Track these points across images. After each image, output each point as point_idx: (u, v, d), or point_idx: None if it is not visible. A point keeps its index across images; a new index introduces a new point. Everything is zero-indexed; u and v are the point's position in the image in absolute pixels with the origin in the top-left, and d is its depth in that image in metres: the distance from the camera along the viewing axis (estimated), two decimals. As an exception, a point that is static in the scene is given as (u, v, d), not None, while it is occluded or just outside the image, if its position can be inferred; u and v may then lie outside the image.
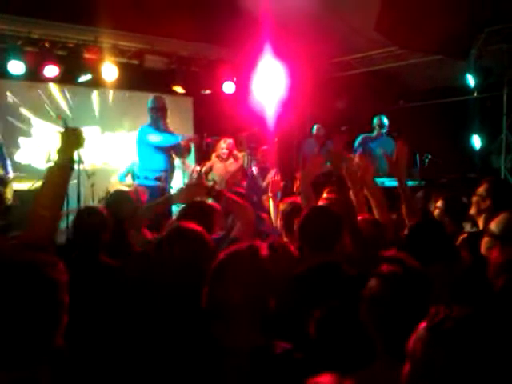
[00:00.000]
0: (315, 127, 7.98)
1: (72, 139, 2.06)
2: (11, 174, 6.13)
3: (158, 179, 5.91)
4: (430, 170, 6.61)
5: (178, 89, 7.91)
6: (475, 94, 7.28)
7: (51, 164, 2.08)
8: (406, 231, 2.77)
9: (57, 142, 2.08)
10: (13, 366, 1.36)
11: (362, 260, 2.61)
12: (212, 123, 7.67)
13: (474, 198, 3.10)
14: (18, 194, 6.11)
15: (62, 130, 2.11)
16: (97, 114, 7.97)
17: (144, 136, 5.96)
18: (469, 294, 2.17)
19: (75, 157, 2.13)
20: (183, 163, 6.70)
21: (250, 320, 1.66)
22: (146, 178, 5.98)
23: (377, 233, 2.97)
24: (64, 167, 2.02)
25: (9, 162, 6.23)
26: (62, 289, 1.45)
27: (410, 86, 8.79)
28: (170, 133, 6.09)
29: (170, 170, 6.11)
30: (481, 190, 3.08)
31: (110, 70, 7.16)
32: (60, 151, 2.03)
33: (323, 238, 2.59)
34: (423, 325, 1.18)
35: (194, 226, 2.19)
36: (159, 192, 5.65)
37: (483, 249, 2.52)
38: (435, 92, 8.39)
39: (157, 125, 6.01)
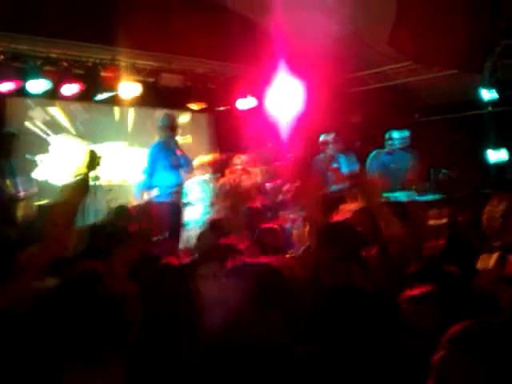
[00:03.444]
0: (322, 136, 7.55)
1: (90, 160, 2.13)
2: (22, 193, 6.15)
3: (168, 195, 6.00)
4: (445, 184, 6.57)
5: (194, 106, 8.02)
6: (489, 108, 7.25)
7: (66, 183, 2.13)
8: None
9: (75, 161, 2.14)
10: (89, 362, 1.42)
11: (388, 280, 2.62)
12: (227, 139, 7.74)
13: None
14: (32, 210, 6.18)
15: (83, 150, 2.18)
16: (114, 130, 8.08)
17: (154, 154, 6.05)
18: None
19: (91, 175, 2.19)
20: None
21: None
22: (158, 194, 6.07)
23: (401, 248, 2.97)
24: (79, 187, 2.08)
25: (19, 181, 6.24)
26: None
27: (426, 100, 8.78)
28: (177, 158, 6.21)
29: (179, 185, 6.21)
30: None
31: (127, 88, 7.27)
32: (77, 171, 2.10)
33: (344, 254, 2.58)
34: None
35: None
36: (173, 207, 5.72)
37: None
38: (451, 106, 8.36)
39: (168, 144, 6.12)
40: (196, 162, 6.97)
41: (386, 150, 7.22)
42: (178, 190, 6.20)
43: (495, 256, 2.57)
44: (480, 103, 7.27)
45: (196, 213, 6.72)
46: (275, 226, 4.00)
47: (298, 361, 1.75)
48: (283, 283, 1.90)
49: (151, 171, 6.19)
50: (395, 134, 7.19)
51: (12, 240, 2.30)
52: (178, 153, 6.32)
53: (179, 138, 7.43)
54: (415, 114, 8.63)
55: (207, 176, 6.88)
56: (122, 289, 1.49)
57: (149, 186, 6.31)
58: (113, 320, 1.44)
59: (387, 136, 7.20)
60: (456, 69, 7.10)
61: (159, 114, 7.28)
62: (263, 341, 1.78)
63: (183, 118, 8.48)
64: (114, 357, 1.46)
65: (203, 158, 7.00)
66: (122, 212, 3.65)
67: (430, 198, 6.23)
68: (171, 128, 6.29)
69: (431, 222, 4.36)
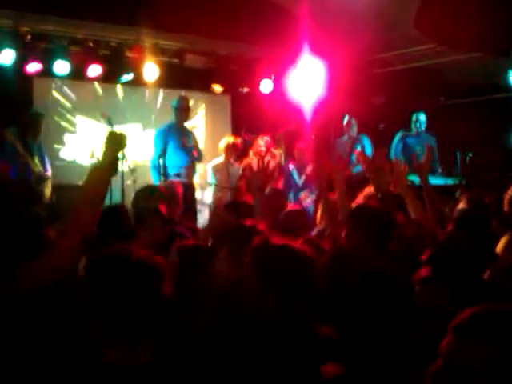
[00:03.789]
0: (346, 118, 7.60)
1: (116, 141, 2.16)
2: (49, 172, 6.28)
3: (178, 175, 6.10)
4: (470, 168, 6.51)
5: (217, 87, 8.04)
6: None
7: (95, 162, 2.20)
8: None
9: (102, 143, 2.19)
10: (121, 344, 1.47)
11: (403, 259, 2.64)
12: (250, 121, 7.75)
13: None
14: (61, 188, 6.31)
15: (108, 132, 2.21)
16: (138, 111, 8.16)
17: (165, 135, 6.27)
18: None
19: (119, 156, 2.23)
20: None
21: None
22: (166, 174, 6.19)
23: (418, 233, 2.99)
24: (107, 168, 2.13)
25: (47, 160, 6.36)
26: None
27: (451, 83, 8.65)
28: (188, 140, 6.42)
29: (189, 166, 6.30)
30: None
31: (151, 70, 7.32)
32: (104, 152, 2.14)
33: (376, 238, 2.60)
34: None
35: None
36: (186, 187, 5.82)
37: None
38: (477, 89, 8.23)
39: (180, 126, 6.35)
40: (221, 145, 7.04)
41: (412, 132, 7.20)
42: (189, 171, 6.32)
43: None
44: (507, 86, 7.15)
45: (218, 194, 6.81)
46: (301, 208, 4.01)
47: (315, 339, 1.80)
48: (306, 266, 1.93)
49: (163, 152, 6.32)
50: (422, 117, 7.16)
51: (41, 217, 2.36)
52: (191, 144, 6.48)
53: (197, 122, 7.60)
54: (440, 97, 8.51)
55: (230, 158, 6.94)
56: (156, 265, 1.54)
57: (162, 167, 6.41)
58: (148, 295, 1.50)
59: (414, 118, 7.18)
60: (482, 52, 6.98)
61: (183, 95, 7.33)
62: (280, 317, 1.82)
63: (206, 100, 8.52)
64: (148, 333, 1.52)
65: (226, 141, 7.05)
66: (152, 192, 3.71)
67: (449, 182, 6.20)
68: (183, 109, 6.41)
69: (450, 207, 4.35)
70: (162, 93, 8.17)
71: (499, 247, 2.57)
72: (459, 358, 1.16)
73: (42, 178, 6.06)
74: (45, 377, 1.69)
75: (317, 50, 7.11)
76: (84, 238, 2.02)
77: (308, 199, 6.63)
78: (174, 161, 6.31)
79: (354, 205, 3.38)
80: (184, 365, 1.59)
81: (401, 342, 2.00)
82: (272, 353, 1.73)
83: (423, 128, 7.16)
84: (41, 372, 1.73)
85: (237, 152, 6.85)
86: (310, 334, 1.78)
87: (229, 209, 3.44)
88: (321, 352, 1.75)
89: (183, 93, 7.48)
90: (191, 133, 6.78)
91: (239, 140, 7.08)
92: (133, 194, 6.65)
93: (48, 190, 6.15)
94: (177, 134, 6.45)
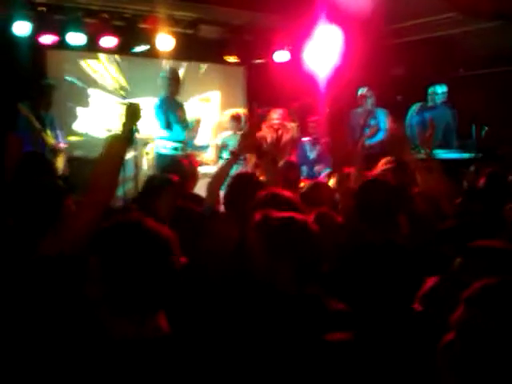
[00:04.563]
0: (362, 89, 7.34)
1: (132, 113, 2.18)
2: (62, 144, 6.30)
3: (175, 149, 6.11)
4: (487, 141, 6.40)
5: (231, 58, 7.94)
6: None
7: (111, 135, 2.20)
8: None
9: (119, 115, 2.21)
10: (134, 311, 1.47)
11: (416, 236, 2.64)
12: (264, 93, 7.67)
13: None
14: (74, 161, 6.34)
15: (125, 103, 2.23)
16: (152, 84, 8.11)
17: (159, 111, 6.28)
18: None
19: (133, 128, 2.24)
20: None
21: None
22: (163, 147, 6.22)
23: (431, 207, 2.97)
24: (124, 139, 2.15)
25: (59, 133, 6.36)
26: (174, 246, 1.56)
27: (471, 54, 8.43)
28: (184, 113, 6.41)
29: (185, 140, 6.37)
30: None
31: (165, 41, 7.25)
32: (124, 124, 2.16)
33: (382, 211, 2.59)
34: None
35: None
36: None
37: None
38: (497, 60, 8.02)
39: (173, 98, 6.39)
40: (226, 118, 6.96)
41: (428, 104, 7.07)
42: (183, 146, 6.33)
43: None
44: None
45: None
46: (322, 182, 3.99)
47: (326, 314, 1.80)
48: (316, 239, 1.93)
49: (167, 125, 6.33)
50: (439, 89, 7.01)
51: (61, 188, 2.39)
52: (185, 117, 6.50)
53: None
54: (460, 68, 8.33)
55: (236, 131, 6.83)
56: (165, 235, 1.53)
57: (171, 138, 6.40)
58: (157, 265, 1.50)
59: (431, 91, 7.04)
60: (505, 19, 6.79)
61: (198, 66, 7.26)
62: (290, 290, 1.83)
63: (220, 71, 8.44)
64: (159, 303, 1.51)
65: (230, 113, 6.93)
66: (176, 164, 3.74)
67: (465, 156, 6.12)
68: (175, 80, 6.39)
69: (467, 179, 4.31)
70: (170, 65, 8.10)
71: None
72: (470, 329, 1.15)
73: (55, 151, 6.09)
74: (50, 350, 1.70)
75: (333, 20, 6.97)
76: (104, 209, 2.04)
77: (323, 172, 6.59)
78: (173, 135, 6.34)
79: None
80: (195, 337, 1.59)
81: (410, 313, 2.00)
82: (283, 325, 1.75)
83: (440, 100, 7.02)
84: (46, 345, 1.75)
85: (240, 123, 6.76)
86: (321, 308, 1.79)
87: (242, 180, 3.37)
88: (331, 326, 1.76)
89: (196, 64, 7.39)
90: (183, 105, 6.71)
91: (242, 111, 7.02)
92: (145, 166, 6.77)
93: (61, 163, 6.17)
94: (173, 108, 6.44)
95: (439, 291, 1.78)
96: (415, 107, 7.09)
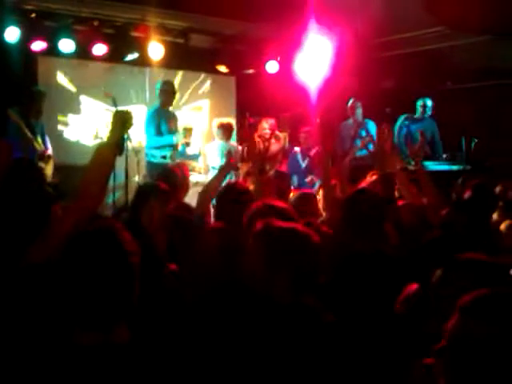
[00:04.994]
0: (350, 101, 7.36)
1: (122, 120, 2.15)
2: (50, 151, 6.26)
3: (164, 157, 6.18)
4: (476, 153, 6.47)
5: (222, 68, 7.96)
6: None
7: (100, 142, 2.19)
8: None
9: (108, 122, 2.18)
10: (94, 326, 1.47)
11: (402, 246, 2.66)
12: (254, 103, 7.69)
13: None
14: (63, 169, 6.29)
15: (114, 110, 2.21)
16: (143, 92, 8.11)
17: (152, 120, 6.39)
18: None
19: (125, 136, 2.23)
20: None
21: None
22: (153, 156, 6.30)
23: (417, 218, 2.99)
24: (113, 147, 2.12)
25: (47, 139, 6.31)
26: (136, 253, 1.55)
27: (459, 68, 8.54)
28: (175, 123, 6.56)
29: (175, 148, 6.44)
30: None
31: (156, 49, 7.25)
32: (111, 131, 2.13)
33: (369, 221, 2.61)
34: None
35: None
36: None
37: None
38: (485, 73, 8.12)
39: (163, 110, 6.50)
40: (214, 125, 6.95)
41: (416, 116, 7.14)
42: (172, 154, 6.37)
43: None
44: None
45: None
46: (312, 192, 4.00)
47: (321, 323, 1.80)
48: (315, 250, 1.93)
49: (160, 132, 6.42)
50: (429, 102, 7.09)
51: (49, 194, 2.37)
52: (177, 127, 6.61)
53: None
54: (447, 82, 8.42)
55: (230, 140, 6.84)
56: (131, 246, 1.53)
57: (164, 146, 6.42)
58: (119, 275, 1.49)
59: (421, 103, 7.11)
60: (492, 34, 6.89)
61: (188, 75, 7.27)
62: (285, 299, 1.83)
63: (211, 80, 8.45)
64: (121, 314, 1.50)
65: (218, 122, 6.94)
66: (168, 172, 3.73)
67: (454, 168, 6.17)
68: (169, 92, 6.53)
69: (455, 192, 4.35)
70: (161, 74, 8.10)
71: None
72: (462, 337, 1.16)
73: (44, 158, 6.05)
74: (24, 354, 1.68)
75: (323, 31, 7.02)
76: (91, 215, 2.03)
77: (316, 184, 6.60)
78: (159, 142, 6.41)
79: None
80: (167, 343, 1.59)
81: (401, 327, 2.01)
82: (275, 333, 1.74)
83: (429, 113, 7.09)
84: (15, 352, 1.72)
85: (229, 132, 6.79)
86: (316, 319, 1.79)
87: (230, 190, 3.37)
88: (326, 337, 1.75)
89: (186, 74, 7.41)
90: (175, 115, 6.83)
91: (230, 120, 7.06)
92: (136, 175, 6.73)
93: (50, 170, 6.14)
94: (165, 117, 6.55)
95: (418, 300, 1.80)
96: (402, 118, 7.17)
